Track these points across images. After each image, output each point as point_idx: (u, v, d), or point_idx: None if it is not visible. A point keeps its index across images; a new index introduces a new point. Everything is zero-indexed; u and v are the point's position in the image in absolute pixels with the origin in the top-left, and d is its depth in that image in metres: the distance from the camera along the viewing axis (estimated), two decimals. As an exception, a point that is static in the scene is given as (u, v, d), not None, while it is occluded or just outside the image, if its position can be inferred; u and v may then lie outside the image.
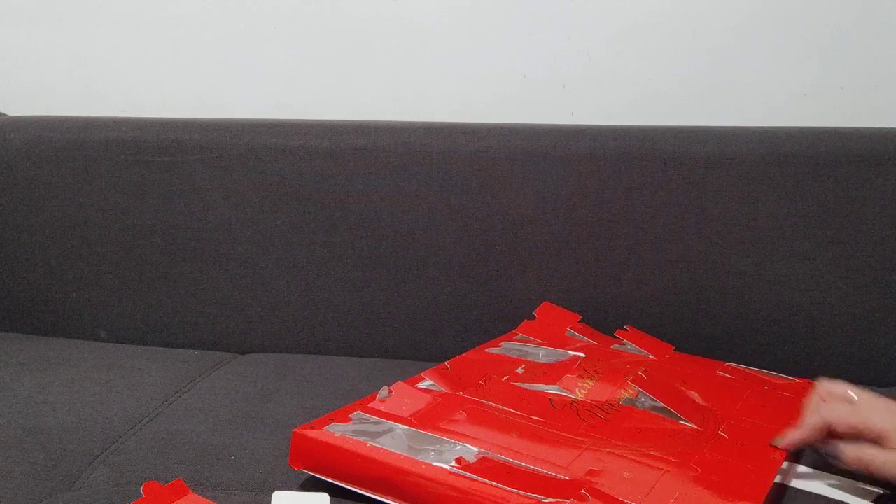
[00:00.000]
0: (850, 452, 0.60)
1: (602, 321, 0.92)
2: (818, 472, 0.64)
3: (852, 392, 0.64)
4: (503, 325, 0.92)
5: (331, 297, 0.97)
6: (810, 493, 0.62)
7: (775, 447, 0.65)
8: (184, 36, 1.11)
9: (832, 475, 0.63)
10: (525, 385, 0.73)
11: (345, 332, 0.97)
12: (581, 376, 0.75)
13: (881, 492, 0.61)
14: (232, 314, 0.99)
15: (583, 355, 0.81)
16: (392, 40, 1.07)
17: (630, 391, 0.73)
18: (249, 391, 0.82)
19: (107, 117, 1.03)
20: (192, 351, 0.97)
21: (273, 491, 0.61)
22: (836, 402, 0.64)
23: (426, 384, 0.72)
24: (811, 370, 0.90)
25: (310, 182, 0.96)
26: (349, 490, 0.60)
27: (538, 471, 0.59)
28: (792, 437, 0.64)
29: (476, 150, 0.94)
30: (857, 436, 0.60)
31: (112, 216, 0.99)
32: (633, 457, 0.62)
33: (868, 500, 0.61)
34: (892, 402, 0.62)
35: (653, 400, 0.72)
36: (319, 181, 0.96)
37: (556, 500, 0.55)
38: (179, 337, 0.99)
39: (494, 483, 0.56)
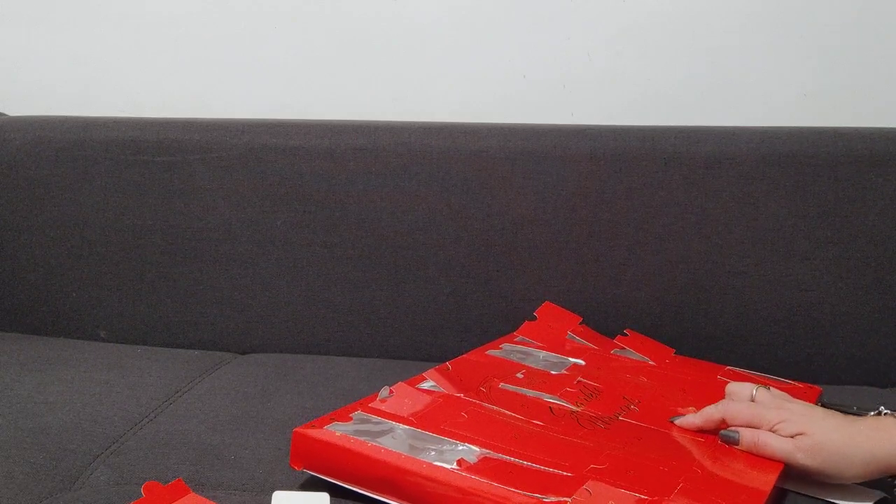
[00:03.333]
0: (747, 436, 0.65)
1: (602, 321, 0.92)
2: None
3: (755, 392, 0.69)
4: (503, 325, 0.92)
5: (331, 297, 0.97)
6: (810, 497, 0.62)
7: (672, 423, 0.70)
8: (184, 36, 1.11)
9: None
10: (525, 391, 0.73)
11: (345, 332, 0.97)
12: (581, 391, 0.74)
13: (882, 496, 0.61)
14: (232, 314, 0.99)
15: (582, 362, 0.81)
16: (392, 40, 1.07)
17: (628, 410, 0.73)
18: (249, 391, 0.82)
19: (107, 117, 1.03)
20: (192, 351, 0.97)
21: (273, 491, 0.61)
22: (738, 401, 0.69)
23: (428, 385, 0.72)
24: (811, 370, 0.90)
25: (310, 182, 0.96)
26: (350, 490, 0.60)
27: (539, 468, 0.59)
28: (689, 421, 0.69)
29: (476, 150, 0.94)
30: (753, 427, 0.66)
31: (112, 216, 0.99)
32: (634, 458, 0.62)
33: (869, 501, 0.61)
34: (789, 398, 0.68)
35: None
36: (319, 181, 0.96)
37: (558, 497, 0.55)
38: (179, 337, 0.99)
39: (495, 483, 0.56)
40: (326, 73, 1.09)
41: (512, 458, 0.60)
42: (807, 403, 0.68)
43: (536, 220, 0.93)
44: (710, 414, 0.68)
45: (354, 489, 0.60)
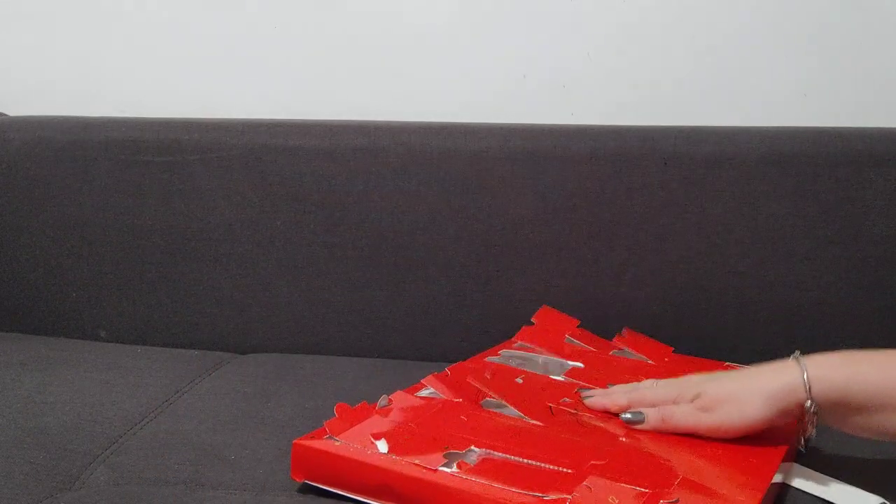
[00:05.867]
0: (651, 413, 0.66)
1: (602, 321, 0.92)
2: (822, 475, 0.64)
3: (656, 382, 0.70)
4: (503, 325, 0.92)
5: (331, 297, 0.97)
6: (812, 496, 0.62)
7: (584, 400, 0.71)
8: (184, 36, 1.11)
9: (835, 480, 0.63)
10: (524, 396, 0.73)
11: (345, 332, 0.97)
12: (581, 400, 0.74)
13: (882, 500, 0.61)
14: (232, 314, 0.99)
15: (581, 365, 0.81)
16: (392, 40, 1.07)
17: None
18: (249, 391, 0.82)
19: (107, 117, 1.03)
20: (192, 351, 0.97)
21: (273, 491, 0.61)
22: (641, 389, 0.70)
23: (427, 392, 0.72)
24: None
25: (310, 182, 0.96)
26: (352, 499, 0.60)
27: (540, 466, 0.59)
28: (598, 402, 0.71)
29: (476, 150, 0.94)
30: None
31: (112, 216, 0.99)
32: (635, 453, 0.62)
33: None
34: (685, 378, 0.69)
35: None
36: (319, 181, 0.96)
37: (559, 494, 0.55)
38: (179, 337, 0.99)
39: (496, 484, 0.56)
40: (326, 73, 1.09)
41: (512, 458, 0.60)
42: (701, 373, 0.69)
43: (536, 220, 0.93)
44: (616, 398, 0.70)
45: (357, 498, 0.60)
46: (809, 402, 0.60)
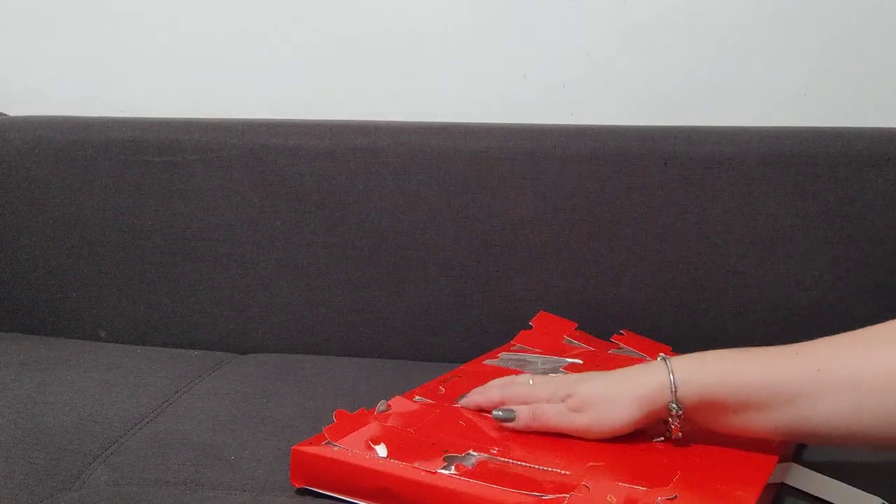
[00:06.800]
0: (523, 412, 0.65)
1: (602, 321, 0.92)
2: (821, 475, 0.64)
3: (531, 379, 0.69)
4: (503, 325, 0.92)
5: (331, 297, 0.97)
6: (812, 496, 0.62)
7: (458, 404, 0.70)
8: (184, 36, 1.11)
9: (835, 480, 0.63)
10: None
11: (345, 332, 0.97)
12: None
13: (882, 500, 0.61)
14: (232, 314, 0.99)
15: (580, 362, 0.81)
16: (392, 40, 1.07)
17: None
18: (249, 391, 0.82)
19: (107, 117, 1.03)
20: (192, 351, 0.97)
21: (273, 492, 0.61)
22: (516, 384, 0.69)
23: (422, 399, 0.72)
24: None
25: (310, 182, 0.96)
26: (352, 503, 0.60)
27: (538, 468, 0.59)
28: (472, 400, 0.69)
29: (476, 150, 0.94)
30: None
31: (112, 216, 0.99)
32: (632, 452, 0.62)
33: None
34: (554, 376, 0.70)
35: None
36: (319, 181, 0.96)
37: (557, 495, 0.55)
38: (179, 337, 1.00)
39: (495, 485, 0.56)
40: (326, 73, 1.09)
41: (510, 461, 0.60)
42: (576, 374, 0.69)
43: (536, 220, 0.93)
44: (490, 394, 0.69)
45: (356, 502, 0.60)
46: (674, 404, 0.60)
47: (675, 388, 0.60)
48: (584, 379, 0.65)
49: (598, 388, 0.63)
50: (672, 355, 0.63)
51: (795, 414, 0.58)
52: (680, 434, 0.62)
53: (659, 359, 0.63)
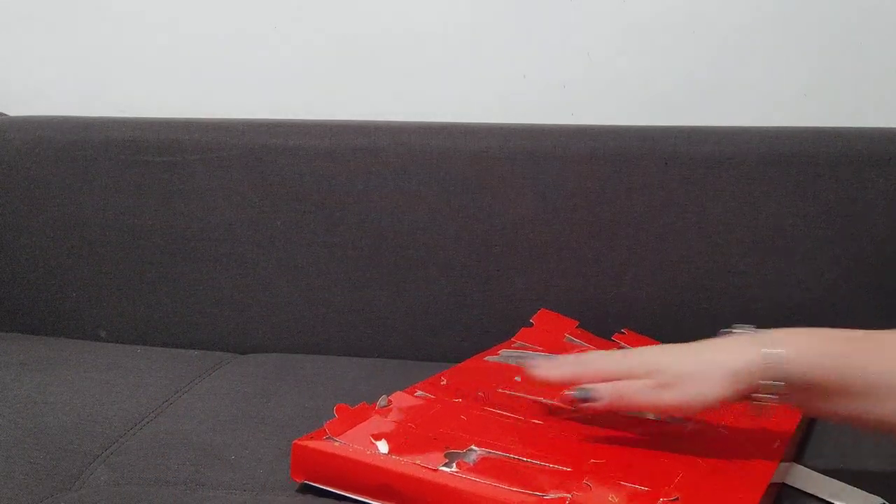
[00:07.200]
0: (606, 390, 0.60)
1: (602, 321, 0.92)
2: (821, 475, 0.64)
3: (604, 355, 0.65)
4: (503, 325, 0.91)
5: (331, 297, 0.97)
6: (812, 496, 0.62)
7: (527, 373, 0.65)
8: (184, 36, 1.11)
9: (835, 480, 0.63)
10: (523, 395, 0.73)
11: (345, 332, 0.97)
12: None
13: (882, 500, 0.61)
14: (232, 314, 0.99)
15: None
16: (392, 40, 1.07)
17: None
18: (249, 391, 0.82)
19: (107, 117, 1.03)
20: (192, 351, 0.97)
21: (273, 491, 0.61)
22: (590, 360, 0.64)
23: (423, 393, 0.72)
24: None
25: (310, 182, 0.96)
26: (352, 499, 0.60)
27: (540, 465, 0.59)
28: (542, 372, 0.64)
29: (476, 150, 0.94)
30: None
31: (112, 216, 0.99)
32: (634, 451, 0.62)
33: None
34: (634, 351, 0.64)
35: None
36: (319, 181, 0.96)
37: (559, 493, 0.55)
38: (179, 337, 0.99)
39: (496, 483, 0.56)
40: (326, 73, 1.09)
41: (511, 456, 0.60)
42: (652, 346, 0.64)
43: (536, 220, 0.93)
44: (562, 370, 0.63)
45: (357, 498, 0.60)
46: (772, 382, 0.55)
47: (778, 365, 0.55)
48: (666, 352, 0.60)
49: (686, 363, 0.58)
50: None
51: None
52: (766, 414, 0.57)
53: (752, 331, 0.59)
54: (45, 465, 0.67)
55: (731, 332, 0.61)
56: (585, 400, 0.60)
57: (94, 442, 0.71)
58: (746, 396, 0.57)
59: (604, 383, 0.60)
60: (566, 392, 0.61)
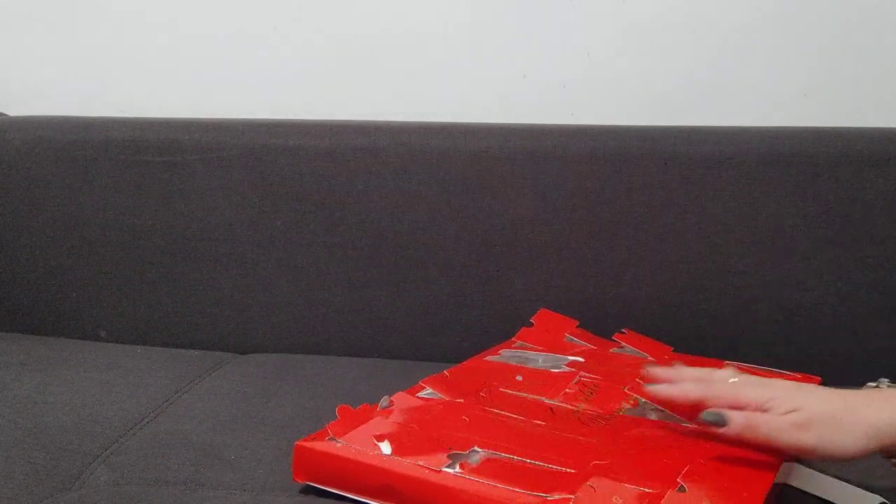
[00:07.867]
0: (737, 418, 0.58)
1: (602, 321, 0.92)
2: (822, 475, 0.64)
3: (732, 377, 0.63)
4: (503, 325, 0.91)
5: (331, 297, 0.97)
6: (812, 496, 0.62)
7: (642, 381, 0.65)
8: (184, 36, 1.11)
9: (835, 480, 0.63)
10: (525, 395, 0.73)
11: (345, 332, 0.97)
12: (581, 390, 0.74)
13: (881, 501, 0.61)
14: (232, 314, 0.99)
15: (581, 360, 0.81)
16: (392, 40, 1.07)
17: (630, 402, 0.72)
18: (249, 391, 0.82)
19: (107, 117, 1.03)
20: (192, 351, 0.97)
21: (273, 491, 0.61)
22: (716, 382, 0.63)
23: (426, 393, 0.72)
24: (811, 370, 0.90)
25: (310, 182, 0.96)
26: (354, 500, 0.60)
27: (543, 466, 0.59)
28: (663, 391, 0.63)
29: (476, 150, 0.94)
30: (736, 408, 0.60)
31: (112, 216, 0.99)
32: (637, 453, 0.62)
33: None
34: (766, 378, 0.63)
35: (653, 406, 0.71)
36: (319, 181, 0.96)
37: (562, 495, 0.55)
38: (179, 337, 0.99)
39: (499, 484, 0.56)
40: (326, 73, 1.09)
41: (514, 458, 0.60)
42: (792, 381, 0.63)
43: (536, 220, 0.93)
44: (687, 391, 0.62)
45: (359, 499, 0.60)
46: None
47: None
48: (807, 391, 0.59)
49: (829, 406, 0.56)
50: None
51: None
52: None
53: (892, 388, 0.58)
54: (45, 465, 0.67)
55: (877, 387, 0.61)
56: (716, 424, 0.59)
57: (94, 442, 0.71)
58: (886, 452, 0.57)
59: (738, 412, 0.59)
60: (701, 415, 0.60)
